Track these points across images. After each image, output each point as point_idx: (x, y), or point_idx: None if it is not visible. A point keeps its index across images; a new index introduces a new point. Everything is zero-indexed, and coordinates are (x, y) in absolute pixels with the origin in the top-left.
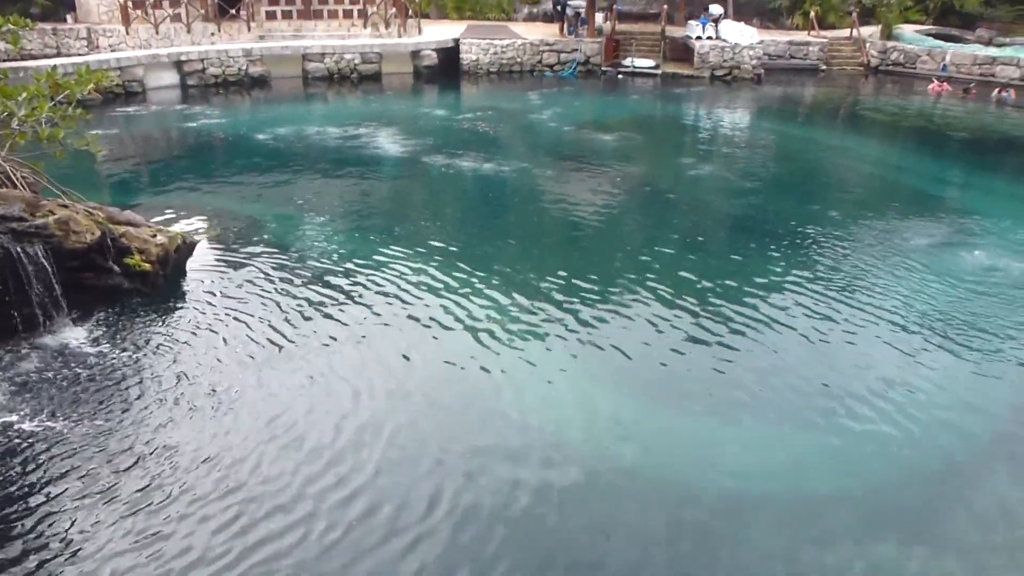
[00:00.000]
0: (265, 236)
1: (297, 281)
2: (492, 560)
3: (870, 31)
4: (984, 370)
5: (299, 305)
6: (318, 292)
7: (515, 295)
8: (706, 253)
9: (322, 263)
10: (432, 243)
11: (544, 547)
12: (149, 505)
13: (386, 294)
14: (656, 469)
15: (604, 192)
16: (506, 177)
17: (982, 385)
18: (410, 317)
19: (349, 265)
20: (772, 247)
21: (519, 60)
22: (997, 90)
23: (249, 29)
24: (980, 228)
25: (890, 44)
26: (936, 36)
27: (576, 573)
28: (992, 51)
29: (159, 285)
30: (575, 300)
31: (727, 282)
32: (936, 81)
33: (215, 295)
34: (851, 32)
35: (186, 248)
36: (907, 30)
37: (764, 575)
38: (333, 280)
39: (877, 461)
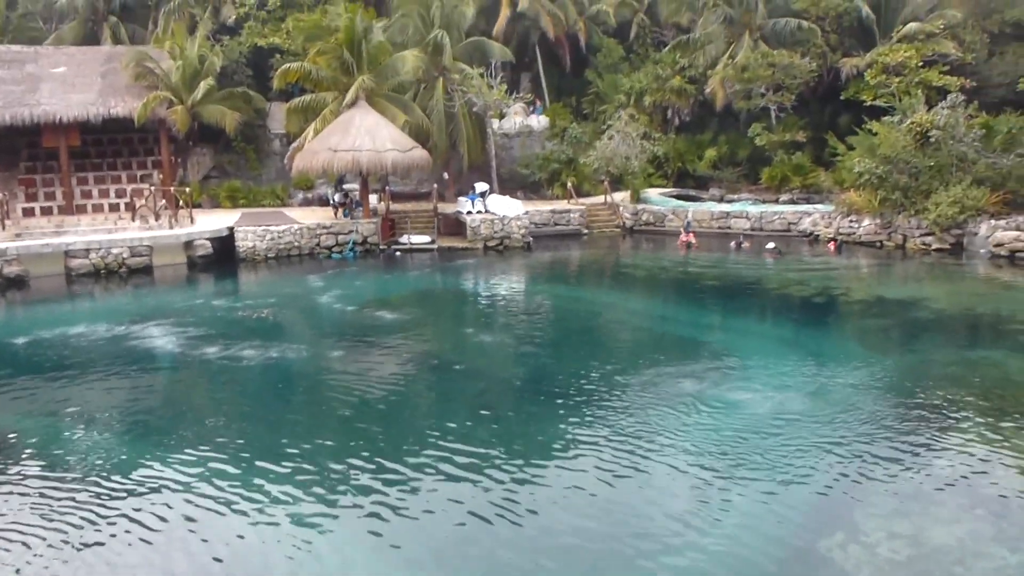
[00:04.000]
0: (23, 452)
1: (61, 499)
2: None
3: (621, 196)
4: (759, 496)
5: (68, 523)
6: (86, 508)
7: (306, 483)
8: (494, 418)
9: (90, 476)
10: (212, 439)
11: None
12: None
13: (163, 503)
14: None
15: (391, 370)
16: (290, 364)
17: (761, 511)
18: (192, 517)
19: (120, 475)
20: (555, 405)
21: (297, 244)
22: (734, 242)
23: (4, 228)
24: (736, 366)
25: (640, 207)
26: (678, 197)
27: None
28: (725, 207)
29: None
30: (369, 481)
31: (515, 445)
32: (683, 235)
33: None
34: (605, 198)
35: None
36: (653, 193)
37: None
38: (102, 494)
39: None
